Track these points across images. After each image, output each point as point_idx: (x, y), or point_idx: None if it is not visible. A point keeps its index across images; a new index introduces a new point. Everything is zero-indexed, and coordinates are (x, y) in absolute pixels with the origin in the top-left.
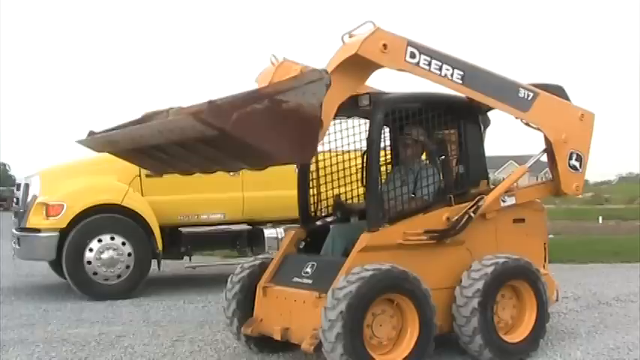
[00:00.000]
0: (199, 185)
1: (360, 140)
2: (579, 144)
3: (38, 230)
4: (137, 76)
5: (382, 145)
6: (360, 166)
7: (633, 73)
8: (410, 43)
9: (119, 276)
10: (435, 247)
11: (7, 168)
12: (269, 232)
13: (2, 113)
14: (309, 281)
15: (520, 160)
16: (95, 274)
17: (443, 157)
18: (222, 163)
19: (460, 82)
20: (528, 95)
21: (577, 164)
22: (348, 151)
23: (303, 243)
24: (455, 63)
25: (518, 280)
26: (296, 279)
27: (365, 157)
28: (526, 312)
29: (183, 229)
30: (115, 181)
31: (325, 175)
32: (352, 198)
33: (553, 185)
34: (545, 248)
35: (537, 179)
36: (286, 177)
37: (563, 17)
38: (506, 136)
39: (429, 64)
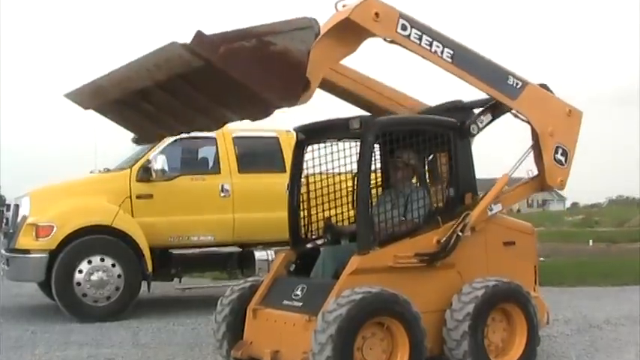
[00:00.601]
0: (190, 207)
1: (351, 163)
2: (566, 139)
3: (28, 251)
4: None
5: (373, 167)
6: (350, 188)
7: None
8: (402, 15)
9: (109, 298)
10: (425, 269)
11: None
12: (259, 255)
13: None
14: (300, 304)
15: (512, 183)
16: (84, 295)
17: (433, 180)
18: (207, 112)
19: (450, 60)
20: (517, 84)
21: (562, 159)
22: (339, 174)
23: (294, 265)
24: (445, 41)
25: (509, 303)
26: (286, 302)
27: (355, 179)
28: (517, 335)
29: (174, 251)
30: (106, 202)
31: (316, 198)
32: (343, 220)
33: (538, 181)
34: (535, 271)
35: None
36: (277, 199)
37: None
38: (500, 159)
39: (420, 39)
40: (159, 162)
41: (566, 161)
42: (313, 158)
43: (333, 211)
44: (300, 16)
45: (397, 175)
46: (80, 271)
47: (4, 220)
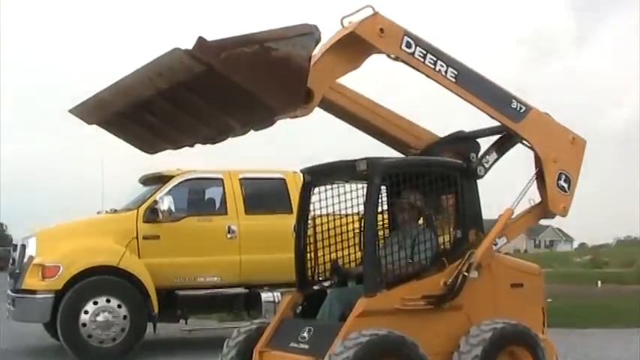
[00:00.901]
0: (196, 248)
1: (358, 204)
2: (569, 166)
3: (34, 292)
4: None
5: (380, 209)
6: (357, 230)
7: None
8: (407, 33)
9: (114, 339)
10: (432, 311)
11: (4, 228)
12: (266, 296)
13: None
14: (306, 346)
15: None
16: (90, 336)
17: (440, 221)
18: (211, 120)
19: (453, 80)
20: (521, 108)
21: (565, 185)
22: (346, 215)
23: (300, 307)
24: (450, 61)
25: (517, 345)
26: (293, 344)
27: (362, 221)
28: None
29: (180, 292)
30: (112, 243)
31: (322, 239)
32: (350, 262)
33: (541, 208)
34: (543, 313)
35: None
36: (283, 240)
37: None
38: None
39: (424, 57)
40: (166, 203)
41: (569, 188)
42: (320, 200)
43: (339, 253)
44: (301, 23)
45: (404, 216)
46: (86, 312)
47: (11, 261)
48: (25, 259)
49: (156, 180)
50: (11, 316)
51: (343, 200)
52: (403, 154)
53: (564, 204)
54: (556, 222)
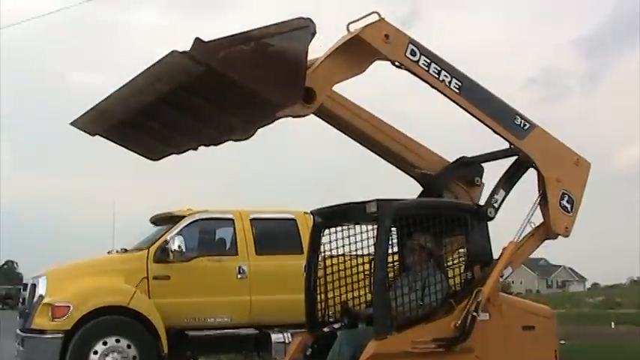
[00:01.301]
0: (206, 288)
1: (368, 246)
2: (572, 187)
3: (43, 331)
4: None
5: (390, 250)
6: (367, 271)
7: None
8: (412, 41)
9: None
10: (443, 354)
11: (15, 265)
12: (276, 337)
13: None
14: None
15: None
16: None
17: (449, 263)
18: (212, 121)
19: (457, 91)
20: (525, 125)
21: (568, 206)
22: (356, 257)
23: (310, 349)
24: (454, 72)
25: None
26: None
27: (372, 262)
28: None
29: (190, 332)
30: (122, 283)
31: (333, 281)
32: (360, 304)
33: (543, 229)
34: (556, 356)
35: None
36: (294, 281)
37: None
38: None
39: (428, 66)
40: (176, 243)
41: (572, 209)
42: (330, 241)
43: (350, 294)
44: (296, 17)
45: (414, 258)
46: (95, 352)
47: (21, 300)
48: (35, 299)
49: (167, 220)
50: (20, 356)
51: (354, 242)
52: (406, 172)
53: (567, 224)
54: (568, 262)
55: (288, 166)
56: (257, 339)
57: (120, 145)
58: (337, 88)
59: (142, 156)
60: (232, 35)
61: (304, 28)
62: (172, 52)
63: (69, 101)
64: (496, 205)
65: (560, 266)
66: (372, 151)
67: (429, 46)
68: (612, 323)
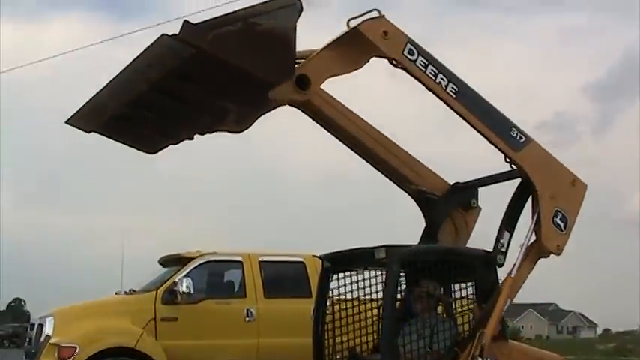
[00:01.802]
0: (214, 331)
1: (377, 291)
2: (567, 206)
3: None
4: None
5: (398, 296)
6: (376, 316)
7: None
8: (410, 41)
9: None
10: None
11: (23, 303)
12: None
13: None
14: None
15: (539, 308)
16: None
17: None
18: (207, 107)
19: (453, 95)
20: (521, 138)
21: (562, 224)
22: (364, 301)
23: None
24: (452, 77)
25: None
26: None
27: (380, 308)
28: None
29: None
30: (130, 324)
31: (341, 326)
32: (368, 349)
33: (536, 247)
34: None
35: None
36: (302, 324)
37: None
38: (525, 284)
39: (426, 67)
40: (185, 285)
41: (565, 228)
42: (339, 286)
43: (358, 340)
44: None
45: (422, 304)
46: None
47: (27, 339)
48: (42, 339)
49: (175, 261)
50: None
51: (362, 287)
52: (401, 187)
53: (559, 242)
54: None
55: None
56: None
57: (116, 140)
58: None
59: (140, 151)
60: (220, 16)
61: (290, 5)
62: (161, 36)
63: (77, 137)
64: (503, 250)
65: (571, 311)
66: (367, 161)
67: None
68: None
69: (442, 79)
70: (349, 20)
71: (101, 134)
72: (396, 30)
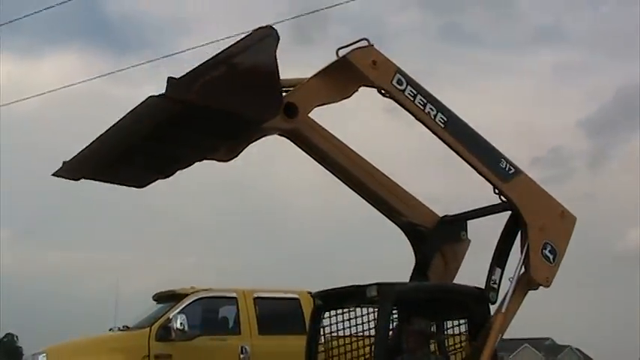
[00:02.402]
0: None
1: (369, 328)
2: (556, 237)
3: None
4: None
5: (390, 333)
6: (368, 354)
7: None
8: (399, 71)
9: None
10: None
11: (15, 339)
12: None
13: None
14: None
15: (536, 343)
16: None
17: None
18: (197, 145)
19: (442, 125)
20: (510, 169)
21: (551, 256)
22: (356, 339)
23: None
24: (441, 107)
25: None
26: None
27: (372, 347)
28: None
29: None
30: None
31: None
32: None
33: (525, 279)
34: None
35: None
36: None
37: None
38: (520, 318)
39: (414, 97)
40: (179, 321)
41: (554, 260)
42: (330, 324)
43: None
44: (257, 28)
45: (415, 341)
46: None
47: None
48: None
49: (169, 298)
50: None
51: (354, 325)
52: (390, 219)
53: (548, 275)
54: (576, 342)
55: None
56: None
57: (106, 182)
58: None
59: (129, 186)
60: (202, 64)
61: (268, 37)
62: (149, 97)
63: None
64: (495, 287)
65: (567, 346)
66: (357, 193)
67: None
68: None
69: (431, 109)
70: (338, 49)
71: (90, 179)
72: (385, 59)
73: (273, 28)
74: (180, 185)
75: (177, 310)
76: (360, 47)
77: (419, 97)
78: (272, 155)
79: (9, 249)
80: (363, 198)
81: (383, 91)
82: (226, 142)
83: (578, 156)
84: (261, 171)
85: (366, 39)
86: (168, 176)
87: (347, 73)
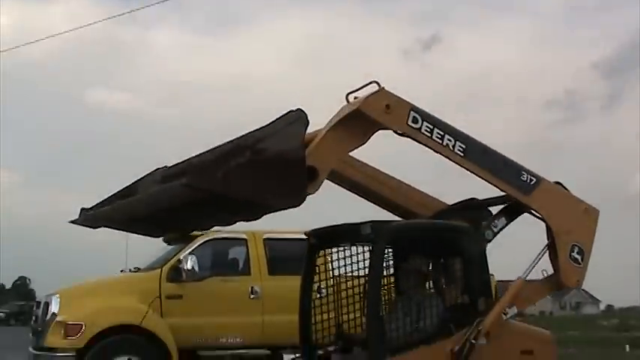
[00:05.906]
0: (219, 308)
1: (364, 267)
2: (582, 237)
3: (55, 350)
4: None
5: (385, 272)
6: (363, 293)
7: None
8: (413, 109)
9: None
10: None
11: (28, 282)
12: (288, 357)
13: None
14: None
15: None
16: None
17: (446, 286)
18: (217, 218)
19: (461, 154)
20: (531, 180)
21: (579, 258)
22: (352, 278)
23: None
24: (457, 135)
25: None
26: None
27: (366, 285)
28: None
29: (202, 352)
30: (135, 302)
31: (328, 303)
32: (356, 327)
33: (554, 280)
34: None
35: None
36: None
37: None
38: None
39: (431, 132)
40: (190, 262)
41: (582, 260)
42: (325, 262)
43: (346, 317)
44: (287, 112)
45: (409, 281)
46: None
47: (33, 318)
48: (48, 317)
49: (180, 239)
50: None
51: (349, 263)
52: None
53: (578, 277)
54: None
55: None
56: (269, 359)
57: (123, 231)
58: None
59: (145, 236)
60: (225, 148)
61: (297, 121)
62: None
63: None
64: (495, 229)
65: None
66: (373, 203)
67: (451, 67)
68: (627, 346)
69: (449, 140)
70: (348, 94)
71: (109, 228)
72: (398, 100)
73: (303, 112)
74: None
75: (188, 252)
76: (371, 94)
77: (436, 130)
78: None
79: (20, 193)
80: (380, 207)
81: (399, 132)
82: (244, 219)
83: (593, 97)
84: None
85: (376, 82)
86: (184, 234)
87: (361, 123)
